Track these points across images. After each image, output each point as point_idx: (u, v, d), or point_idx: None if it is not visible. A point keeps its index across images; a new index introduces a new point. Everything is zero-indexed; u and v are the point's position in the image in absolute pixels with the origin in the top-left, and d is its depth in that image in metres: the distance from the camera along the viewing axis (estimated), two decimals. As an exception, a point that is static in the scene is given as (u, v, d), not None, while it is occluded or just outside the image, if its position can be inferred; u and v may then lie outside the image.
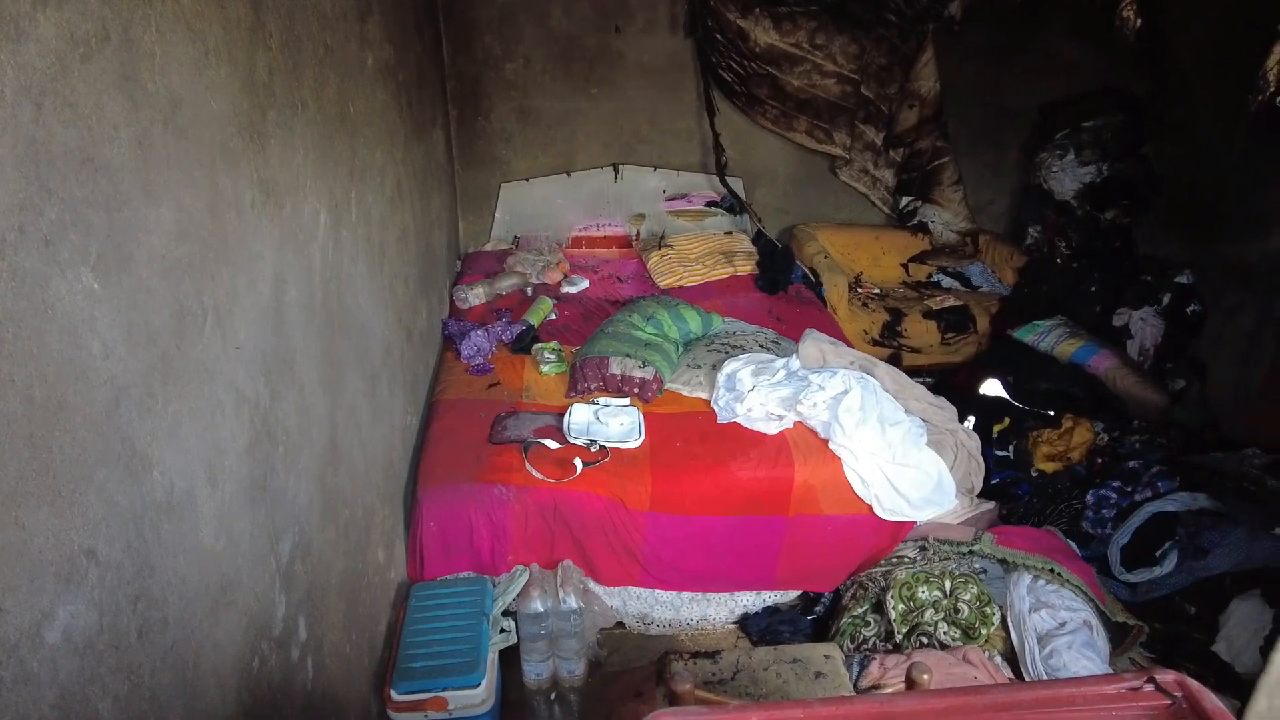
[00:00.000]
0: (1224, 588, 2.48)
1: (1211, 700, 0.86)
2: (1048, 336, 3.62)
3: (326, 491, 1.73)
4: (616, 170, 4.44)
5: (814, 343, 2.91)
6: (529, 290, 3.84)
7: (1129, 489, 2.70)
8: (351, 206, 2.00)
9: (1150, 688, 0.88)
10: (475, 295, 3.64)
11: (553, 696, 2.43)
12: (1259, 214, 3.38)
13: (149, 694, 0.97)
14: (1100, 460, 3.07)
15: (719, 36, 4.06)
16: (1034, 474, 3.09)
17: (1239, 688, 2.29)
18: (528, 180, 4.42)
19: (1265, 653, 2.23)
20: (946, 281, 4.49)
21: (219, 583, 1.18)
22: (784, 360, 2.86)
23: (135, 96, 0.97)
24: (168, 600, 1.03)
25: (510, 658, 2.36)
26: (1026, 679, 2.14)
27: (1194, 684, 0.88)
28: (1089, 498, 2.74)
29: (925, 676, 1.35)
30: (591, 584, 2.55)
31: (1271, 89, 2.21)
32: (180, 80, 1.09)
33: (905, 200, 4.54)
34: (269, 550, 1.39)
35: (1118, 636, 2.36)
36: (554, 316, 3.58)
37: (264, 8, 1.41)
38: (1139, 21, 2.50)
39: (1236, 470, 2.75)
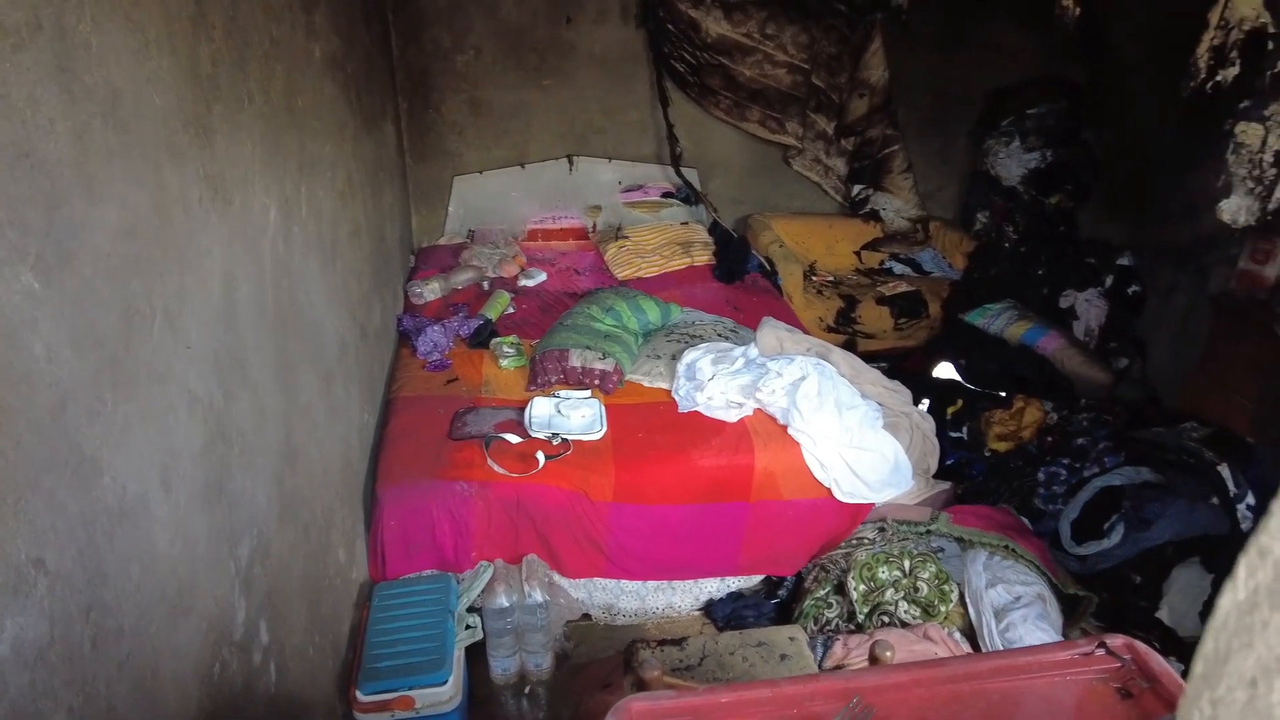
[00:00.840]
0: (1166, 557, 2.58)
1: (1158, 661, 0.90)
2: (998, 319, 3.71)
3: (284, 493, 1.70)
4: (571, 162, 4.42)
5: (771, 330, 2.94)
6: (485, 284, 3.80)
7: (1078, 465, 2.79)
8: (302, 202, 1.96)
9: (1101, 652, 0.91)
10: (430, 290, 3.59)
11: (522, 691, 2.42)
12: (1190, 197, 3.51)
13: (105, 705, 0.95)
14: (1050, 439, 3.16)
15: (671, 27, 4.07)
16: (987, 454, 3.18)
17: (1182, 650, 2.39)
18: (481, 173, 4.37)
19: (1204, 617, 2.33)
20: (898, 268, 4.57)
21: (176, 588, 1.16)
22: (742, 348, 2.89)
23: (72, 89, 0.94)
24: (123, 608, 1.00)
25: (477, 654, 2.35)
26: (984, 652, 2.20)
27: (1141, 646, 0.92)
28: (1040, 475, 2.82)
29: (888, 653, 1.38)
30: (556, 577, 2.55)
31: (1203, 76, 2.29)
32: (120, 72, 1.05)
33: (857, 188, 4.60)
34: (227, 554, 1.37)
35: (1069, 608, 2.43)
36: (512, 310, 3.56)
37: (205, -2, 1.38)
38: (1078, 10, 2.57)
39: (1176, 444, 2.85)
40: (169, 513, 1.15)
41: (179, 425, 1.20)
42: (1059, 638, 2.26)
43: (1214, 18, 2.27)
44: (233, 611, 1.37)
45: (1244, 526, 2.59)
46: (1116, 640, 0.91)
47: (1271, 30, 2.20)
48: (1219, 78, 2.29)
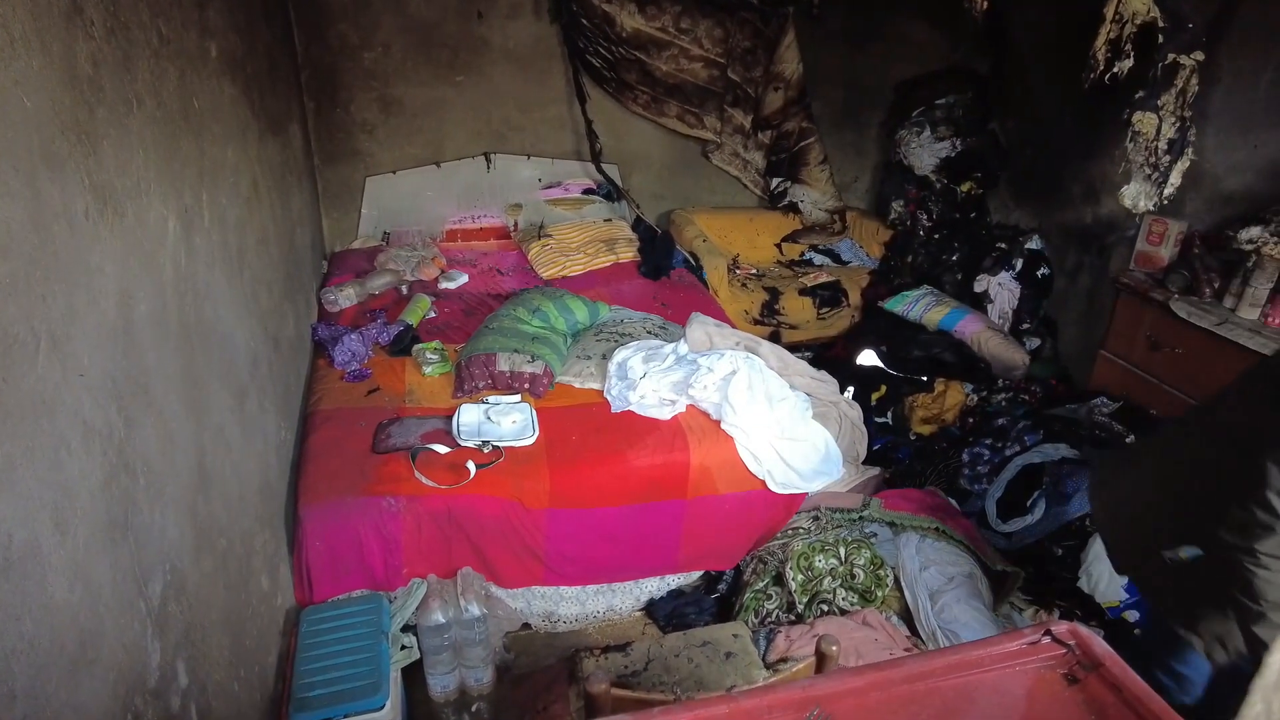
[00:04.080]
0: (1083, 528, 2.69)
1: (1100, 645, 0.91)
2: (916, 305, 3.81)
3: (199, 522, 1.59)
4: (488, 159, 4.33)
5: (700, 326, 2.94)
6: (404, 288, 3.68)
7: (999, 445, 2.89)
8: (204, 210, 1.84)
9: (1048, 640, 0.93)
10: (345, 297, 3.45)
11: (464, 707, 2.35)
12: (1090, 182, 3.67)
13: (0, 778, 0.86)
14: (971, 420, 3.27)
15: (585, 21, 4.02)
16: (912, 437, 3.26)
17: (1101, 615, 2.51)
18: (394, 173, 4.24)
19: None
20: (818, 259, 4.65)
21: (77, 640, 1.06)
22: (672, 345, 2.88)
23: (-74, 95, 0.84)
24: (13, 671, 0.90)
25: (414, 673, 2.27)
26: (922, 634, 2.25)
27: (1084, 631, 0.93)
28: (964, 456, 2.91)
29: (834, 648, 1.38)
30: (493, 588, 2.49)
31: (1101, 68, 2.39)
32: (-18, 75, 0.95)
33: (775, 181, 4.65)
34: (136, 594, 1.26)
35: (998, 583, 2.51)
36: (433, 314, 3.45)
37: (81, -9, 1.26)
38: (985, 3, 2.64)
39: (1088, 419, 2.99)
40: (65, 557, 1.05)
41: (73, 460, 1.10)
42: (990, 614, 2.33)
43: (1109, 12, 2.37)
44: (145, 656, 1.27)
45: (1153, 495, 2.73)
46: (1061, 627, 0.92)
47: (1161, 24, 2.31)
48: (1115, 69, 2.39)
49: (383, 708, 1.93)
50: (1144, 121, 2.40)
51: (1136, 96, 2.45)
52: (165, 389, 1.47)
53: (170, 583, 1.40)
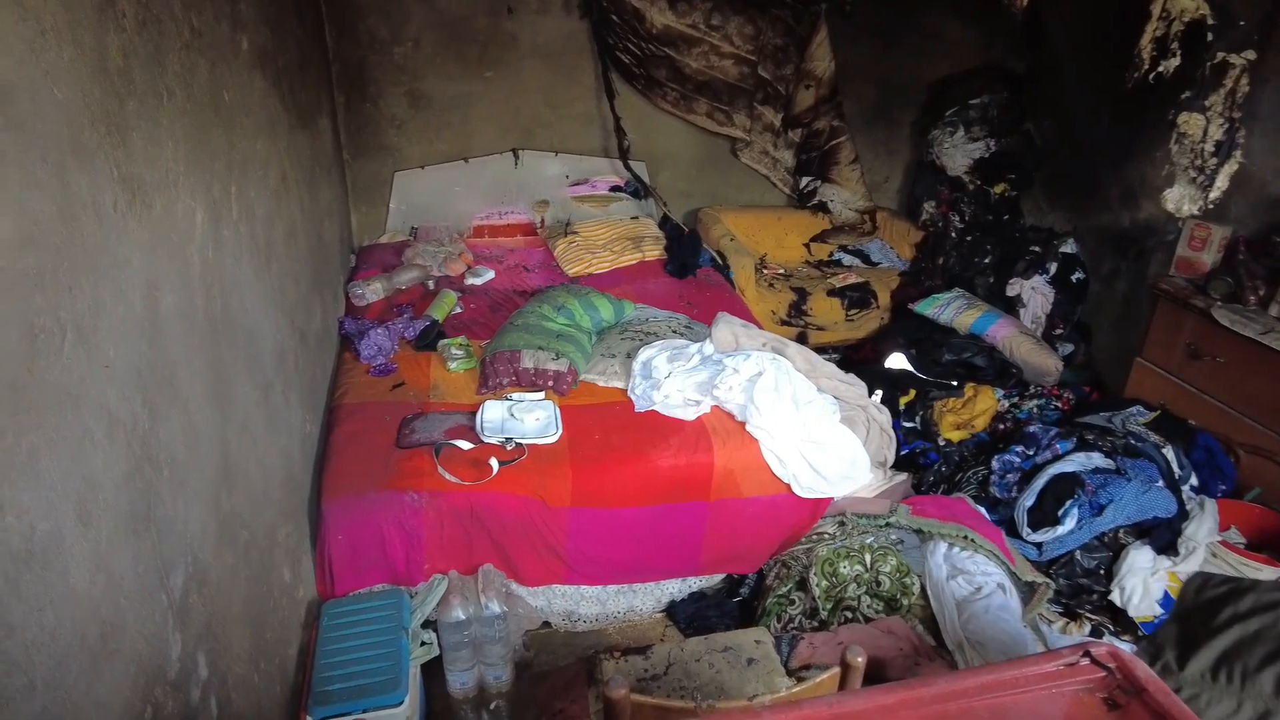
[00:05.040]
0: (1117, 539, 2.62)
1: (1143, 669, 0.87)
2: (947, 309, 3.74)
3: (221, 514, 1.59)
4: (516, 156, 4.32)
5: (726, 326, 2.90)
6: (430, 284, 3.69)
7: (1030, 452, 2.82)
8: (232, 203, 1.84)
9: (1086, 661, 0.89)
10: (373, 291, 3.46)
11: (482, 704, 2.35)
12: (1128, 184, 3.58)
13: (17, 771, 0.85)
14: (1002, 426, 3.20)
15: (615, 18, 3.99)
16: (941, 443, 3.19)
17: (1134, 630, 2.44)
18: (423, 168, 4.24)
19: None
20: (847, 259, 4.59)
21: (98, 631, 1.06)
22: (698, 345, 2.85)
23: (-46, 84, 0.83)
24: (33, 661, 0.90)
25: (433, 668, 2.27)
26: (948, 645, 2.20)
27: (1125, 654, 0.89)
28: (994, 463, 2.85)
29: (860, 659, 1.35)
30: (514, 586, 2.47)
31: (1146, 66, 2.32)
32: (10, 64, 0.94)
33: (805, 180, 4.60)
34: (158, 585, 1.26)
35: (1027, 595, 2.46)
36: (459, 310, 3.45)
37: (114, -17, 1.26)
38: (1025, 0, 2.58)
39: (1123, 428, 2.91)
40: (87, 549, 1.05)
41: (97, 452, 1.10)
42: (1020, 626, 2.28)
43: (1156, 9, 2.29)
44: (166, 648, 1.27)
45: (1189, 508, 2.65)
46: (1101, 649, 0.88)
47: (1211, 22, 2.24)
48: (1161, 68, 2.32)
49: (401, 703, 1.93)
50: (1190, 123, 2.33)
51: (1183, 97, 2.37)
52: (190, 381, 1.47)
53: (192, 575, 1.40)
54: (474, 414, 2.62)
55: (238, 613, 1.65)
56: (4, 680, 0.85)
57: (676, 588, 2.71)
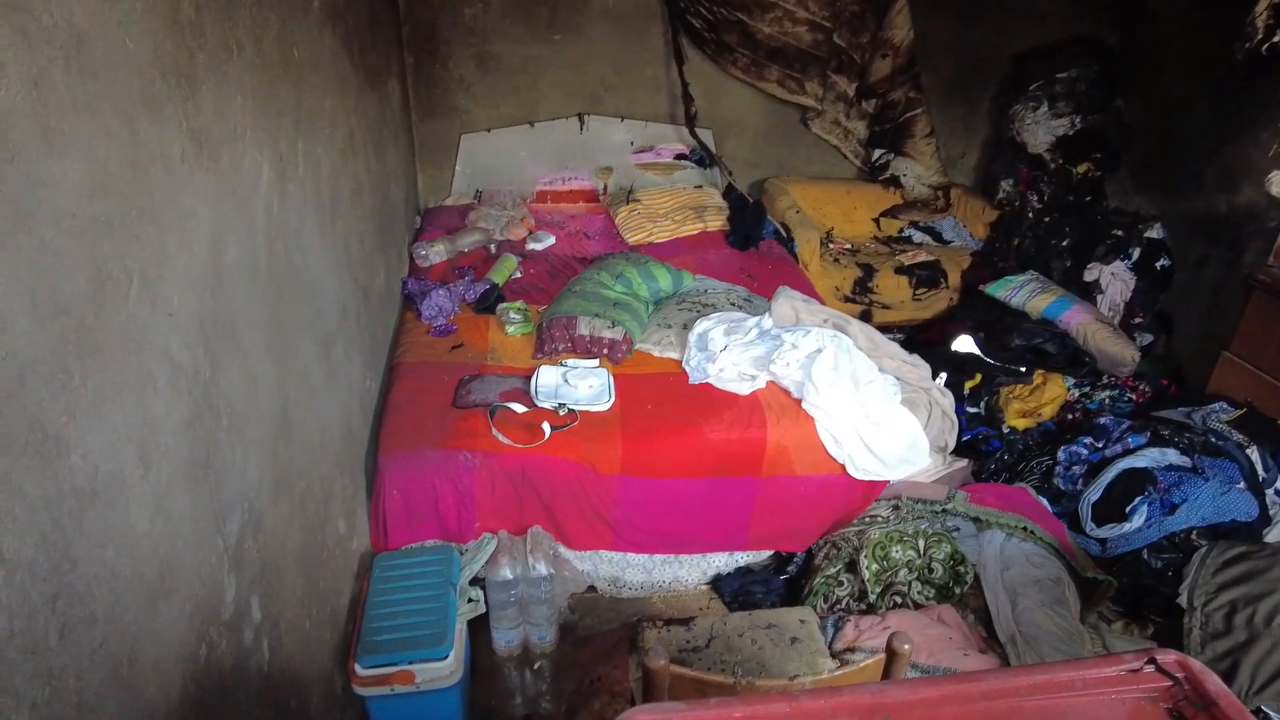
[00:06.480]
0: (1188, 541, 2.50)
1: (1215, 682, 0.82)
2: (1020, 292, 3.60)
3: (279, 464, 1.63)
4: (582, 121, 4.29)
5: (787, 300, 2.84)
6: (492, 247, 3.71)
7: (1099, 445, 2.70)
8: (298, 159, 1.86)
9: (1151, 669, 0.84)
10: (436, 252, 3.50)
11: (526, 663, 2.39)
12: (1227, 167, 3.36)
13: (75, 698, 0.89)
14: (1071, 416, 3.08)
15: (687, -20, 3.90)
16: (1006, 430, 3.09)
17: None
18: (489, 131, 4.25)
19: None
20: (918, 236, 4.44)
21: (156, 570, 1.09)
22: (756, 319, 2.80)
23: (26, 30, 0.84)
24: (95, 595, 0.94)
25: (480, 626, 2.31)
26: (1000, 637, 2.14)
27: (1196, 665, 0.84)
28: (1060, 454, 2.74)
29: (906, 647, 1.32)
30: (561, 549, 2.50)
31: (1260, 36, 2.15)
32: (84, 14, 0.96)
33: (877, 153, 4.45)
34: (214, 530, 1.30)
35: (1087, 591, 2.37)
36: (519, 275, 3.46)
37: (187, -66, 1.27)
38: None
39: (1203, 425, 2.76)
40: (148, 491, 1.08)
41: (159, 397, 1.13)
42: (1076, 623, 2.20)
43: (1271, -26, 2.12)
44: (221, 590, 1.31)
45: (1272, 512, 2.51)
46: (1169, 657, 0.83)
47: (1333, -11, 2.06)
48: (1277, 38, 2.15)
49: (447, 657, 1.97)
50: (1302, 100, 2.15)
51: (1295, 72, 2.20)
52: (252, 333, 1.51)
53: (248, 521, 1.44)
54: (529, 378, 2.64)
55: (292, 560, 1.69)
56: (67, 611, 0.88)
57: (723, 561, 2.70)
